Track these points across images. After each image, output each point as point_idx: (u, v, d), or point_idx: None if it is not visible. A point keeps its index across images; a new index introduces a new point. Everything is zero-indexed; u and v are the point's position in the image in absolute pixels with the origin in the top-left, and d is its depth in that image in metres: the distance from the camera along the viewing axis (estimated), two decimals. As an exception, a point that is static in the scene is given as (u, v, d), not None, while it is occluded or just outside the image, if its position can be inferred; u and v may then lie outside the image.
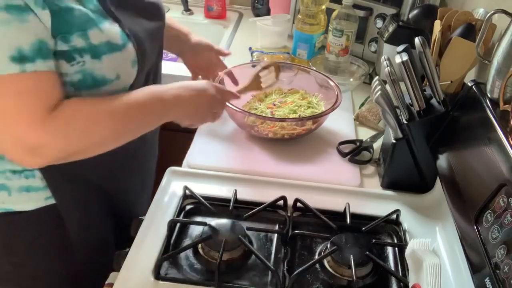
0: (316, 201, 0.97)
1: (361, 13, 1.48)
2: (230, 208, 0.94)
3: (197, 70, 1.27)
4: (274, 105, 1.25)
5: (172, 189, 1.00)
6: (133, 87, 0.87)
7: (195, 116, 0.95)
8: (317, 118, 1.15)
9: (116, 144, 0.83)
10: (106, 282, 0.91)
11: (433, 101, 0.98)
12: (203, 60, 1.25)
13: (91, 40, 0.77)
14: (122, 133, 0.83)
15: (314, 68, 1.37)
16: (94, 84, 0.80)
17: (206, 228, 0.87)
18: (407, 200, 1.02)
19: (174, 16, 1.91)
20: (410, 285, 0.81)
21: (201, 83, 0.96)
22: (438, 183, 1.00)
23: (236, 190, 0.97)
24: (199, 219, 0.94)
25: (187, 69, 1.57)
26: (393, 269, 0.87)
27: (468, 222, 0.74)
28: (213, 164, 1.08)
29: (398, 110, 1.00)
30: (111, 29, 0.80)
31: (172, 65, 1.60)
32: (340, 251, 0.85)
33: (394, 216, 0.96)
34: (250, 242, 0.89)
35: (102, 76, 0.80)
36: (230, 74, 1.28)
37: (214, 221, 0.89)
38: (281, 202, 0.96)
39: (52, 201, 0.89)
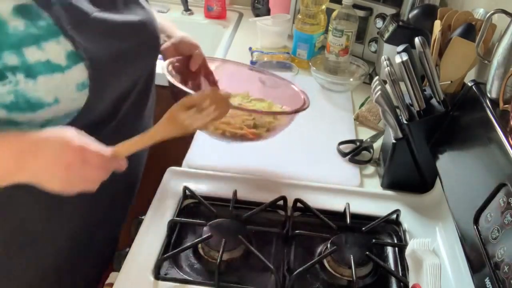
0: (316, 201, 0.97)
1: (361, 13, 1.49)
2: (230, 208, 0.94)
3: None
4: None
5: (172, 189, 1.00)
6: (90, 112, 0.77)
7: (62, 177, 0.70)
8: (269, 115, 0.97)
9: None
10: (106, 282, 0.91)
11: (433, 101, 0.98)
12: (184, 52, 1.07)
13: (26, 58, 0.69)
14: None
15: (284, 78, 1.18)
16: (29, 107, 0.72)
17: (206, 228, 0.87)
18: (407, 200, 1.02)
19: (174, 16, 1.91)
20: (410, 285, 0.81)
21: (66, 134, 0.71)
22: (438, 183, 1.00)
23: (236, 190, 0.97)
24: (199, 219, 0.94)
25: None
26: (393, 269, 0.87)
27: (468, 222, 0.74)
28: (213, 164, 1.08)
29: (398, 110, 1.00)
30: (56, 48, 0.72)
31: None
32: (340, 251, 0.85)
33: (394, 216, 0.96)
34: (250, 242, 0.89)
35: (37, 98, 0.72)
36: (209, 74, 1.10)
37: (214, 221, 0.89)
38: (281, 202, 0.96)
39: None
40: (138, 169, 1.07)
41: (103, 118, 0.82)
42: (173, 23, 1.12)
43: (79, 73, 0.74)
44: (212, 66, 1.11)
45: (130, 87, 0.88)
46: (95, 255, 0.99)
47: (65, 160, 0.68)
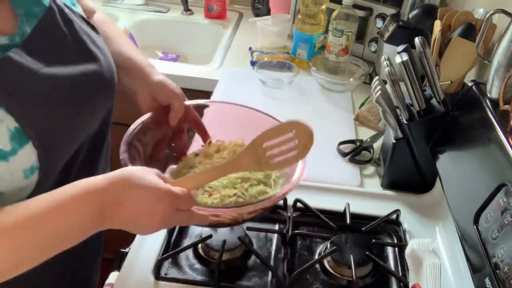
0: (316, 201, 0.97)
1: (361, 13, 1.49)
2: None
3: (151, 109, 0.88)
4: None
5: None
6: (39, 191, 0.63)
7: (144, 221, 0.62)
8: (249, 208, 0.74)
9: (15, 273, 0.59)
10: (106, 282, 0.91)
11: (433, 101, 0.98)
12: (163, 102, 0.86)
13: None
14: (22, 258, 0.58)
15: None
16: None
17: (206, 228, 0.87)
18: (407, 200, 1.02)
19: (174, 16, 1.91)
20: (410, 285, 0.81)
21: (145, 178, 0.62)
22: (438, 183, 1.00)
23: (236, 190, 0.97)
24: (199, 219, 0.94)
25: (189, 70, 1.58)
26: (393, 269, 0.87)
27: (468, 222, 0.74)
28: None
29: (398, 110, 1.00)
30: None
31: (172, 65, 1.61)
32: (340, 251, 0.85)
33: (394, 216, 0.96)
34: (250, 242, 0.89)
35: None
36: (198, 125, 0.90)
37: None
38: (281, 202, 0.96)
39: None
40: None
41: (52, 188, 0.65)
42: (150, 64, 0.90)
43: (27, 157, 0.62)
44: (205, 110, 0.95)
45: (82, 142, 0.75)
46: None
47: (160, 211, 0.61)
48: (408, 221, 0.97)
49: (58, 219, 0.58)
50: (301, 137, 0.71)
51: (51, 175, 0.68)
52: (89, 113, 0.74)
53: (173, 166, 0.88)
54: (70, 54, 0.71)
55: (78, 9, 0.78)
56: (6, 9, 0.65)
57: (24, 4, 0.67)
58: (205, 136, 0.90)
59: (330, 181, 1.05)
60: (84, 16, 0.78)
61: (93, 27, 0.79)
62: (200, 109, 0.93)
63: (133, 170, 0.62)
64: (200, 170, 0.80)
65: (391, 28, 1.36)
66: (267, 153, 0.70)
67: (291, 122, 0.72)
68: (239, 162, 0.71)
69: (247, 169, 0.75)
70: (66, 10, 0.73)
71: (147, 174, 0.62)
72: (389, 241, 0.94)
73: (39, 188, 0.65)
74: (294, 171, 0.78)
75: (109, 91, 0.79)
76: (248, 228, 0.89)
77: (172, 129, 0.87)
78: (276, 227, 0.94)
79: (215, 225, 0.81)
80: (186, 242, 0.89)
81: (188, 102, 0.89)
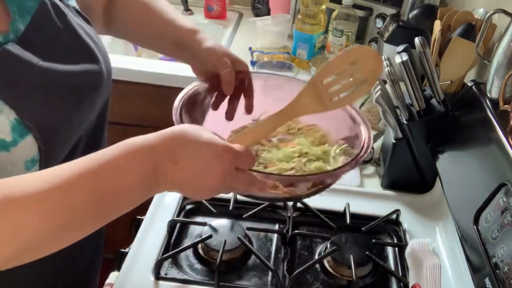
0: (316, 201, 0.96)
1: (361, 13, 1.49)
2: (230, 208, 0.94)
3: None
4: (270, 141, 0.80)
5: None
6: None
7: (200, 181, 0.57)
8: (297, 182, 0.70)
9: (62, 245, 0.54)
10: (106, 282, 0.91)
11: (433, 101, 0.98)
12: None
13: None
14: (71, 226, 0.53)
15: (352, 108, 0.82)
16: None
17: (206, 228, 0.87)
18: (407, 200, 1.02)
19: (174, 16, 1.91)
20: (410, 285, 0.81)
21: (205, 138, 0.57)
22: (438, 183, 1.00)
23: (236, 190, 0.97)
24: (199, 219, 0.94)
25: (189, 70, 1.56)
26: (393, 269, 0.87)
27: (468, 222, 0.74)
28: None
29: (398, 110, 1.00)
30: None
31: (172, 65, 1.60)
32: (340, 251, 0.85)
33: (394, 216, 0.96)
34: (250, 242, 0.89)
35: None
36: (249, 95, 0.86)
37: (214, 221, 0.89)
38: (281, 202, 0.96)
39: None
40: None
41: None
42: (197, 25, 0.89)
43: (28, 148, 0.61)
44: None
45: (80, 136, 0.74)
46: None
47: (219, 169, 0.56)
48: (408, 221, 0.97)
49: (107, 178, 0.53)
50: (366, 64, 0.62)
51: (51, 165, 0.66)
52: (87, 105, 0.73)
53: None
54: (65, 48, 0.70)
55: (72, 2, 0.77)
56: None
57: (17, 0, 0.66)
58: (249, 107, 0.86)
59: (330, 181, 1.05)
60: (77, 8, 0.77)
61: (86, 20, 0.78)
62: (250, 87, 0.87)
63: (187, 127, 0.58)
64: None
65: (391, 28, 1.36)
66: (329, 90, 0.63)
67: (351, 50, 0.64)
68: (300, 105, 0.64)
69: (310, 111, 0.67)
70: (59, 3, 0.72)
71: (202, 131, 0.57)
72: (389, 241, 0.94)
73: None
74: (356, 147, 0.71)
75: (105, 82, 0.78)
76: (248, 228, 0.89)
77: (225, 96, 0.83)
78: (276, 227, 0.95)
79: (270, 199, 0.74)
80: (186, 242, 0.90)
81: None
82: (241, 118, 0.84)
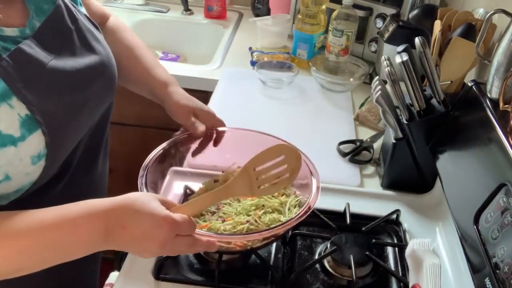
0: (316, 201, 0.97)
1: (361, 13, 1.49)
2: (230, 208, 0.94)
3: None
4: None
5: (173, 189, 1.00)
6: (42, 180, 0.69)
7: (145, 243, 0.65)
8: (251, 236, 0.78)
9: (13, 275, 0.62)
10: (106, 282, 0.91)
11: (433, 101, 0.98)
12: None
13: None
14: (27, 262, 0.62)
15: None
16: None
17: (206, 228, 0.87)
18: (407, 200, 1.02)
19: (174, 16, 1.91)
20: (410, 285, 0.81)
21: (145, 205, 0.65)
22: (438, 183, 1.00)
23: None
24: (199, 219, 0.94)
25: (189, 70, 1.57)
26: (393, 269, 0.87)
27: (468, 222, 0.74)
28: (214, 163, 1.08)
29: (398, 110, 1.00)
30: (8, 114, 0.61)
31: (172, 65, 1.61)
32: (340, 251, 0.85)
33: (394, 216, 0.96)
34: (250, 242, 0.89)
35: None
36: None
37: (214, 221, 0.89)
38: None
39: None
40: None
41: (51, 181, 0.73)
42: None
43: (35, 143, 0.65)
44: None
45: (82, 137, 0.79)
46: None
47: (159, 237, 0.64)
48: (408, 221, 0.97)
49: (65, 233, 0.62)
50: (289, 161, 0.74)
51: (56, 164, 0.71)
52: (93, 103, 0.77)
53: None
54: (76, 48, 0.75)
55: (83, 9, 0.83)
56: (18, 4, 0.69)
57: (35, 0, 0.71)
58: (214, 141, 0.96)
59: (330, 181, 1.05)
60: (88, 15, 0.82)
61: (95, 26, 0.83)
62: (221, 134, 0.98)
63: (137, 196, 0.66)
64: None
65: (391, 28, 1.36)
66: (259, 177, 0.73)
67: (279, 145, 0.76)
68: (233, 187, 0.74)
69: (240, 194, 0.80)
70: (72, 8, 0.77)
71: (150, 201, 0.66)
72: (389, 241, 0.94)
73: (43, 176, 0.68)
74: (309, 199, 0.81)
75: (111, 85, 0.83)
76: (248, 228, 0.90)
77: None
78: (276, 227, 0.95)
79: (225, 252, 0.81)
80: (186, 242, 0.89)
81: (223, 128, 0.96)
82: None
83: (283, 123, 1.27)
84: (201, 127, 0.92)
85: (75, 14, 0.77)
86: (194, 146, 0.96)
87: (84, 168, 0.81)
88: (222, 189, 0.74)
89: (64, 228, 0.62)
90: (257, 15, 1.88)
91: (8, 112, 0.62)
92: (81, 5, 0.83)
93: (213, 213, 0.84)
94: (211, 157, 0.99)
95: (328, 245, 0.86)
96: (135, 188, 0.76)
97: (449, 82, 1.07)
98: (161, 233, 0.64)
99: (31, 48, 0.66)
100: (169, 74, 1.00)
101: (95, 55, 0.78)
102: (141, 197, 0.66)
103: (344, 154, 1.14)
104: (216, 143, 0.97)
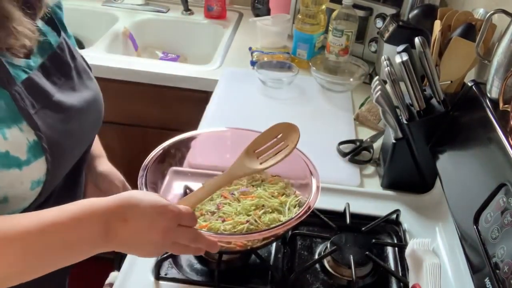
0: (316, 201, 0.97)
1: (361, 13, 1.49)
2: (230, 208, 0.94)
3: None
4: (233, 195, 0.88)
5: (173, 189, 1.00)
6: (33, 206, 0.68)
7: (146, 240, 0.64)
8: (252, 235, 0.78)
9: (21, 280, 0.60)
10: (106, 282, 0.91)
11: (433, 101, 0.98)
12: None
13: None
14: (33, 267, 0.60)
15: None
16: None
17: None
18: (407, 200, 1.02)
19: (174, 16, 1.91)
20: (410, 285, 0.81)
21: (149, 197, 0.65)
22: (438, 183, 1.00)
23: (236, 190, 0.97)
24: (199, 219, 0.94)
25: (189, 70, 1.58)
26: (393, 269, 0.87)
27: (468, 222, 0.74)
28: (214, 163, 1.08)
29: (398, 110, 1.00)
30: (18, 138, 0.63)
31: (172, 65, 1.61)
32: (340, 251, 0.85)
33: (394, 216, 0.96)
34: (250, 242, 0.89)
35: None
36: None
37: (214, 221, 0.89)
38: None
39: None
40: None
41: (37, 206, 0.71)
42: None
43: (38, 169, 0.66)
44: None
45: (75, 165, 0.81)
46: None
47: (162, 225, 0.63)
48: (408, 221, 0.97)
49: (65, 230, 0.60)
50: (288, 134, 0.79)
51: (48, 192, 0.71)
52: (87, 136, 0.82)
53: None
54: (75, 84, 0.79)
55: (79, 51, 0.87)
56: None
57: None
58: None
59: (330, 181, 1.05)
60: (83, 56, 0.87)
61: (89, 66, 0.88)
62: (216, 135, 0.99)
63: (135, 192, 0.67)
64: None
65: (391, 28, 1.36)
66: (260, 157, 0.78)
67: (276, 125, 0.80)
68: (237, 167, 0.77)
69: (244, 174, 0.80)
70: (72, 47, 0.82)
71: (148, 194, 0.67)
72: (389, 241, 0.94)
73: (34, 203, 0.68)
74: (309, 199, 0.81)
75: (100, 118, 0.87)
76: (248, 228, 0.90)
77: None
78: (276, 227, 0.95)
79: (225, 252, 0.81)
80: (186, 242, 0.89)
81: (208, 130, 0.99)
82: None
83: (283, 123, 1.27)
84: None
85: (74, 53, 0.82)
86: (194, 146, 0.95)
87: (66, 194, 0.81)
88: (225, 174, 0.76)
89: (64, 225, 0.60)
90: (257, 15, 1.88)
91: (18, 136, 0.63)
92: (75, 45, 0.88)
93: (213, 213, 0.84)
94: (211, 157, 0.99)
95: (328, 245, 0.86)
96: (135, 188, 0.76)
97: (449, 82, 1.07)
98: (163, 220, 0.63)
99: (40, 78, 0.70)
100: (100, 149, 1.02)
101: (89, 90, 0.83)
102: (140, 192, 0.67)
103: (344, 154, 1.14)
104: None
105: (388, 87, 1.00)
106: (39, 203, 0.70)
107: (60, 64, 0.77)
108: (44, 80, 0.71)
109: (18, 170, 0.63)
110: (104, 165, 0.97)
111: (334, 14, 1.47)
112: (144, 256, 0.68)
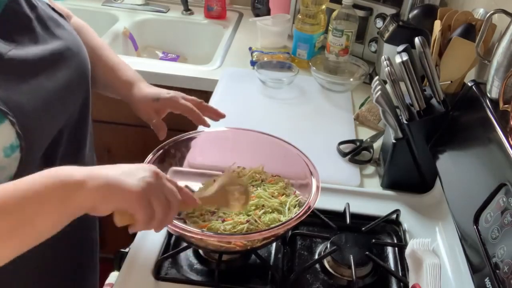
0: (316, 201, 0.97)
1: (361, 13, 1.49)
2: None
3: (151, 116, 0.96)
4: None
5: (172, 189, 1.00)
6: (22, 175, 0.60)
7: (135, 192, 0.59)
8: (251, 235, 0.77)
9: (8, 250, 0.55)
10: (106, 282, 0.91)
11: (433, 101, 0.98)
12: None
13: None
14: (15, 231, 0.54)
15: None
16: None
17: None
18: (407, 200, 1.02)
19: (174, 16, 1.91)
20: (410, 285, 0.81)
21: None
22: (438, 183, 1.00)
23: (236, 190, 0.97)
24: (199, 219, 0.94)
25: (189, 70, 1.58)
26: (393, 269, 0.87)
27: (468, 222, 0.74)
28: (214, 163, 1.08)
29: (398, 110, 1.00)
30: None
31: (172, 65, 1.61)
32: (340, 251, 0.85)
33: (394, 216, 0.96)
34: (250, 242, 0.89)
35: None
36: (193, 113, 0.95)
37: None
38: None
39: None
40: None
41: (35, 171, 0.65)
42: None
43: (5, 134, 0.62)
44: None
45: (62, 128, 0.76)
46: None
47: (142, 173, 0.60)
48: (408, 221, 0.97)
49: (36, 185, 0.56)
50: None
51: (33, 156, 0.68)
52: (64, 93, 0.75)
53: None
54: (38, 35, 0.73)
55: None
56: None
57: None
58: (202, 122, 0.96)
59: (330, 181, 1.05)
60: (49, 3, 0.81)
61: (59, 14, 0.82)
62: (216, 135, 0.99)
63: None
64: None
65: (391, 28, 1.36)
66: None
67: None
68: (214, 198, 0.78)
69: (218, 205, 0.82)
70: None
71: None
72: (389, 241, 0.94)
73: (22, 170, 0.64)
74: (309, 199, 0.81)
75: (82, 73, 0.81)
76: (248, 228, 0.90)
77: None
78: (276, 227, 0.95)
79: (225, 252, 0.81)
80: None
81: (208, 130, 0.97)
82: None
83: (283, 123, 1.27)
84: (162, 132, 0.94)
85: (33, 2, 0.75)
86: (194, 146, 0.95)
87: (70, 163, 0.79)
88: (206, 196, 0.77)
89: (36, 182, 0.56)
90: (257, 15, 1.88)
91: None
92: None
93: (213, 213, 0.84)
94: (211, 157, 0.99)
95: (328, 245, 0.86)
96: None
97: (449, 82, 1.07)
98: (145, 172, 0.61)
99: None
100: (133, 72, 0.99)
101: (59, 40, 0.77)
102: None
103: (344, 154, 1.14)
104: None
105: (388, 87, 1.00)
106: (39, 168, 0.65)
107: (17, 18, 0.72)
108: None
109: None
110: (140, 90, 0.96)
111: (334, 14, 1.47)
112: (133, 193, 0.59)
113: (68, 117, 0.77)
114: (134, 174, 0.60)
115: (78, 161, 0.82)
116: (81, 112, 0.82)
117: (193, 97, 0.97)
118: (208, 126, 0.97)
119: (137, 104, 0.95)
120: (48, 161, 0.72)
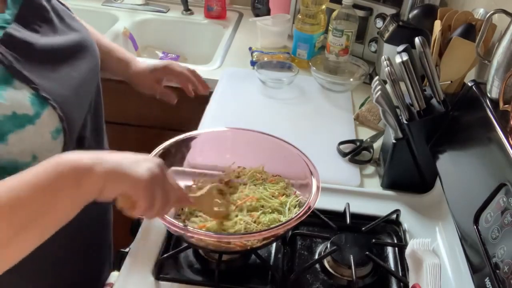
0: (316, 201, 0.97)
1: (361, 13, 1.49)
2: (230, 208, 0.94)
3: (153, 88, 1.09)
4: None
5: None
6: None
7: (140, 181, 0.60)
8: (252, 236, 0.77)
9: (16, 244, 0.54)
10: (106, 282, 0.91)
11: (433, 101, 0.98)
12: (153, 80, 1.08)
13: None
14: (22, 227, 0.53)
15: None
16: (2, 173, 0.57)
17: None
18: (407, 200, 1.02)
19: (174, 16, 1.91)
20: (410, 285, 0.81)
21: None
22: (438, 183, 1.00)
23: (236, 190, 0.97)
24: (199, 219, 0.94)
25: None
26: (393, 269, 0.87)
27: (468, 222, 0.74)
28: (213, 163, 1.08)
29: (398, 110, 1.00)
30: (16, 96, 0.63)
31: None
32: (340, 251, 0.85)
33: (394, 216, 0.96)
34: (250, 242, 0.89)
35: (12, 161, 0.62)
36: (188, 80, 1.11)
37: (214, 221, 0.89)
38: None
39: None
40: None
41: None
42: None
43: (50, 118, 0.66)
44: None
45: (86, 115, 0.81)
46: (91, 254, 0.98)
47: (148, 163, 0.62)
48: (408, 221, 0.97)
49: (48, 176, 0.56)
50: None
51: (72, 139, 0.72)
52: (84, 80, 0.79)
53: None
54: (56, 26, 0.78)
55: None
56: None
57: None
58: (203, 85, 1.14)
59: (330, 181, 1.05)
60: None
61: (66, 7, 0.86)
62: (216, 135, 1.00)
63: None
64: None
65: (391, 28, 1.36)
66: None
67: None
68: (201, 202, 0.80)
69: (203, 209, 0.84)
70: None
71: None
72: (389, 241, 0.94)
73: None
74: (309, 199, 0.81)
75: (95, 63, 0.86)
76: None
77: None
78: (276, 227, 0.95)
79: (225, 252, 0.81)
80: (186, 242, 0.90)
81: (208, 130, 1.00)
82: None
83: (283, 123, 1.27)
84: (171, 97, 1.05)
85: None
86: (194, 146, 0.96)
87: (95, 148, 0.83)
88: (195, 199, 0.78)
89: (46, 171, 0.55)
90: (257, 15, 1.88)
91: (15, 94, 0.63)
92: None
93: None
94: (211, 157, 0.99)
95: (328, 245, 0.86)
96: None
97: (449, 82, 1.07)
98: (151, 163, 0.63)
99: (18, 31, 0.69)
100: (127, 53, 1.08)
101: (76, 32, 0.81)
102: None
103: (344, 154, 1.14)
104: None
105: (388, 87, 1.00)
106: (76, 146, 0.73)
107: (36, 8, 0.75)
108: (23, 31, 0.70)
109: (32, 125, 0.64)
110: (136, 65, 1.06)
111: (334, 14, 1.47)
112: (140, 178, 0.60)
113: (89, 103, 0.82)
114: (140, 163, 0.62)
115: (100, 147, 0.90)
116: (96, 100, 0.88)
117: (186, 65, 1.07)
118: (206, 93, 1.11)
119: (137, 79, 1.03)
120: (80, 146, 0.77)
